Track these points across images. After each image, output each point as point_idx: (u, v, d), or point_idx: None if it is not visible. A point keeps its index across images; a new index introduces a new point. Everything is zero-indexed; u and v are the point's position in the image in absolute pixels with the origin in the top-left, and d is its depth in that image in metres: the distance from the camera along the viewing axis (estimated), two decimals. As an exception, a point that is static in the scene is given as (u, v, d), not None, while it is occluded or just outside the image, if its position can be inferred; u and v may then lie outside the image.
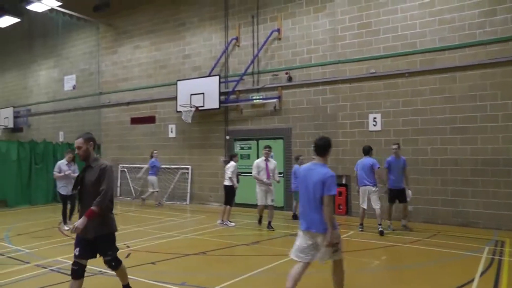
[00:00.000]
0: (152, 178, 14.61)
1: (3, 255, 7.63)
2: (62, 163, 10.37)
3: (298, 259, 4.87)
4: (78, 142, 4.79)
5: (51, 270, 6.59)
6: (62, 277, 6.19)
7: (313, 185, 4.69)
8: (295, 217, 11.54)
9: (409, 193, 9.88)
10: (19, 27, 21.51)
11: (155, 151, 14.96)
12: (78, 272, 4.91)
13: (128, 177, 17.15)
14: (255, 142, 13.95)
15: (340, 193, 12.03)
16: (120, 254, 7.46)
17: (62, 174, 10.14)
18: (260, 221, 10.63)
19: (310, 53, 12.72)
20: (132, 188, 16.97)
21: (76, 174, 10.05)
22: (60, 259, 7.17)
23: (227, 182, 10.78)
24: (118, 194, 17.45)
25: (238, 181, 11.00)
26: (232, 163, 10.82)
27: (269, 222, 10.16)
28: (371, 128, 11.60)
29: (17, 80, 23.70)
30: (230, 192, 10.83)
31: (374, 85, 11.67)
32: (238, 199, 13.86)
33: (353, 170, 11.52)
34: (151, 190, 14.87)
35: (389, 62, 11.43)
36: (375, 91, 11.65)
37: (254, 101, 13.74)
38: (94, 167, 4.78)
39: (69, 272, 6.31)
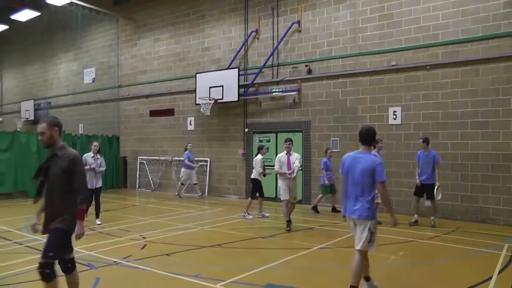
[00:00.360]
0: (185, 171, 14.73)
1: (22, 244, 7.84)
2: (88, 155, 9.85)
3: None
4: (41, 127, 4.29)
5: (69, 259, 6.71)
6: (78, 267, 6.26)
7: (360, 173, 4.86)
8: (315, 209, 11.57)
9: (436, 191, 9.50)
10: (39, 21, 21.81)
11: (189, 144, 15.02)
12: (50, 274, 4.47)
13: (147, 169, 17.34)
14: (274, 135, 13.91)
15: (358, 188, 11.87)
16: (136, 246, 7.69)
17: (88, 167, 9.49)
18: (290, 222, 9.40)
19: (331, 45, 12.56)
20: (151, 180, 17.16)
21: (102, 169, 10.02)
22: (77, 249, 7.26)
23: (253, 175, 10.85)
24: (137, 186, 17.67)
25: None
26: (258, 156, 10.85)
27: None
28: (391, 121, 11.40)
29: (37, 73, 24.21)
30: (256, 185, 10.83)
31: (394, 78, 11.46)
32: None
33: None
34: (186, 182, 15.05)
35: (411, 55, 11.19)
36: (396, 84, 11.43)
37: (273, 93, 13.67)
38: (61, 156, 4.26)
39: (85, 262, 6.49)
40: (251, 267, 6.27)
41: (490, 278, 5.84)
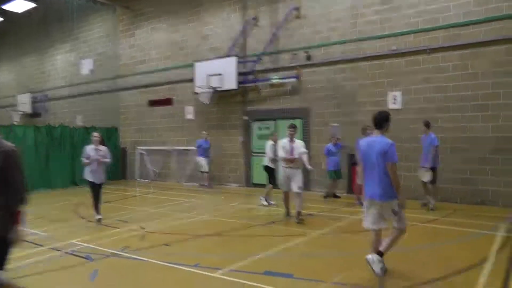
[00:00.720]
0: (200, 159, 14.43)
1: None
2: (90, 148, 9.19)
3: (372, 226, 5.33)
4: None
5: (66, 252, 6.67)
6: (75, 260, 6.28)
7: (375, 156, 5.19)
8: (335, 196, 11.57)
9: (423, 173, 9.50)
10: (36, 12, 21.68)
11: (204, 132, 14.70)
12: None
13: (147, 159, 17.28)
14: (273, 122, 13.80)
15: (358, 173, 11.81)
16: (134, 236, 7.64)
17: (86, 160, 9.04)
18: (288, 213, 9.27)
19: (330, 31, 12.39)
20: (151, 170, 17.11)
21: (107, 160, 9.39)
22: (75, 242, 7.26)
23: (265, 162, 10.74)
24: (137, 177, 17.62)
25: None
26: (268, 142, 10.60)
27: (298, 213, 8.67)
28: (391, 106, 11.25)
29: (34, 65, 24.03)
30: (269, 172, 10.70)
31: (395, 63, 11.31)
32: (256, 179, 13.91)
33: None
34: (201, 170, 14.63)
35: (411, 39, 11.03)
36: (396, 68, 11.29)
37: (273, 81, 13.53)
38: None
39: (83, 255, 6.44)
40: (250, 255, 6.23)
41: (487, 259, 5.84)
